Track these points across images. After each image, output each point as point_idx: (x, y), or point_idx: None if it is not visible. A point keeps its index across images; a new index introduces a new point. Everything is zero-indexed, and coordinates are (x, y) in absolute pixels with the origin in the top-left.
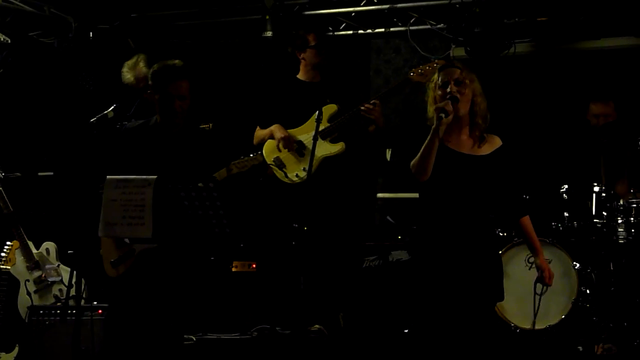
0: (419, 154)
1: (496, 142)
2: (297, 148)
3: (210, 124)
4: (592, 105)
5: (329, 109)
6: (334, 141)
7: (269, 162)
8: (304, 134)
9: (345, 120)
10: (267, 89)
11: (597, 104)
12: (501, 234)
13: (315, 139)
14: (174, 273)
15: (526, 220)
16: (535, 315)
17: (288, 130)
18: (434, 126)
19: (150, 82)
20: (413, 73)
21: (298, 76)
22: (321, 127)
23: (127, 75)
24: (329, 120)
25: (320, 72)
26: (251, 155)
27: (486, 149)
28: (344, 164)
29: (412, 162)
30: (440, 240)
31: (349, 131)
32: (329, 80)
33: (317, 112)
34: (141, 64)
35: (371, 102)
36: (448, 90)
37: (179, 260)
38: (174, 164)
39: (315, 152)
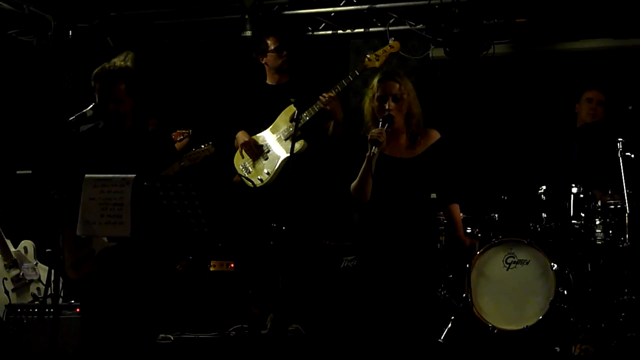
0: (357, 180)
1: (432, 137)
2: (260, 152)
3: (190, 130)
4: (585, 93)
5: (291, 109)
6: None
7: (237, 171)
8: (269, 136)
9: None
10: (238, 96)
11: (591, 91)
12: (479, 235)
13: (294, 138)
14: (138, 271)
15: (454, 207)
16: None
17: (255, 135)
18: (368, 154)
19: (92, 85)
20: (369, 59)
21: (267, 80)
22: (283, 128)
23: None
24: (291, 120)
25: (287, 73)
26: (202, 146)
27: (420, 148)
28: (318, 162)
29: (351, 186)
30: (382, 243)
31: (312, 129)
32: (299, 80)
33: (295, 112)
34: (129, 64)
35: (327, 94)
36: (386, 106)
37: (146, 258)
38: (123, 164)
39: (276, 154)
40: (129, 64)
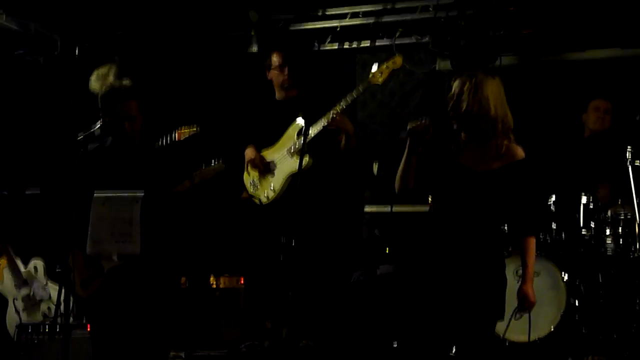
0: (399, 172)
1: (516, 155)
2: (266, 168)
3: (196, 127)
4: (592, 102)
5: (299, 125)
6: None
7: (246, 188)
8: (277, 152)
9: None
10: (246, 111)
11: (598, 100)
12: None
13: (302, 154)
14: (148, 288)
15: (531, 241)
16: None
17: (263, 151)
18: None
19: (99, 106)
20: (372, 76)
21: (275, 95)
22: (289, 144)
23: (95, 84)
24: (298, 135)
25: (294, 88)
26: (212, 163)
27: (500, 163)
28: (327, 177)
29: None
30: (444, 256)
31: (321, 144)
32: (306, 95)
33: (303, 127)
34: (110, 77)
35: (332, 111)
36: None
37: (156, 275)
38: (133, 182)
39: (282, 170)
40: (111, 78)
